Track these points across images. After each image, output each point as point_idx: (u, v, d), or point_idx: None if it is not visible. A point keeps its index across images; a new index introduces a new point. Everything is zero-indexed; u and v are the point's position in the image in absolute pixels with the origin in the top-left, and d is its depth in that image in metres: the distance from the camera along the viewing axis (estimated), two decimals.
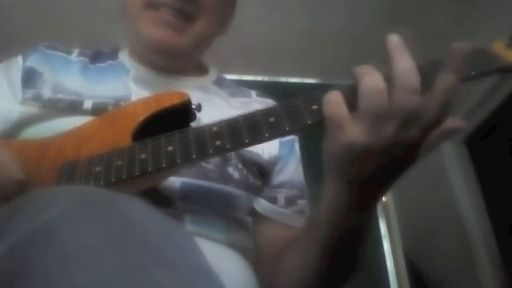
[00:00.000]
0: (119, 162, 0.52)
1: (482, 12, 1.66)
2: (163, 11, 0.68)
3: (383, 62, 0.47)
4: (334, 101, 0.45)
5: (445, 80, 0.43)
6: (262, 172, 0.72)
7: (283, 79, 2.02)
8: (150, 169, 0.50)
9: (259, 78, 1.98)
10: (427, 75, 0.44)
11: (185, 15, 0.69)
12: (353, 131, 0.43)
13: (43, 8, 1.74)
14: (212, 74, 0.83)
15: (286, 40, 1.90)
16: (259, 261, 0.70)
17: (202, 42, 0.75)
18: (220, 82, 0.83)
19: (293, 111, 0.49)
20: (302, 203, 0.76)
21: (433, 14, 1.73)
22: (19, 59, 0.75)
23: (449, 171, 1.83)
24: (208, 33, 0.75)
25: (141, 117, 0.58)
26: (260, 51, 1.90)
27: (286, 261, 0.62)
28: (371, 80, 0.43)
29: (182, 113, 0.60)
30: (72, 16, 1.77)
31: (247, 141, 0.49)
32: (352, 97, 0.46)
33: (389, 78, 0.44)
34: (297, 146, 0.81)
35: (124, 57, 0.79)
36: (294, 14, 1.82)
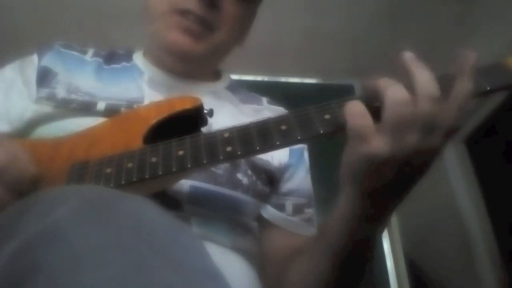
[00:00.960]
0: (130, 165, 0.52)
1: (483, 13, 1.66)
2: (187, 18, 0.68)
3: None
4: (359, 113, 0.45)
5: (462, 87, 0.45)
6: (271, 179, 0.72)
7: (283, 79, 2.02)
8: (160, 173, 0.50)
9: (259, 78, 1.98)
10: (445, 84, 0.45)
11: (206, 24, 0.69)
12: (377, 143, 0.44)
13: (49, 9, 1.74)
14: (225, 80, 0.83)
15: (286, 40, 1.90)
16: (264, 267, 0.70)
17: (218, 52, 0.75)
18: (232, 88, 0.83)
19: (305, 119, 0.49)
20: (309, 211, 0.76)
21: (433, 15, 1.74)
22: (34, 57, 0.74)
23: (449, 171, 1.83)
24: (226, 44, 0.75)
25: (153, 120, 0.58)
26: (260, 51, 1.90)
27: (294, 270, 0.62)
28: (396, 91, 0.44)
29: (194, 117, 0.60)
30: (70, 18, 1.77)
31: (258, 148, 0.49)
32: (370, 107, 0.46)
33: (409, 89, 0.45)
34: (306, 154, 0.81)
35: (138, 59, 0.79)
36: (294, 14, 1.82)
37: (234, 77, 1.78)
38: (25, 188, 0.51)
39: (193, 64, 0.74)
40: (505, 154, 1.65)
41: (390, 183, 0.46)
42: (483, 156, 1.79)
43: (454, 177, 1.82)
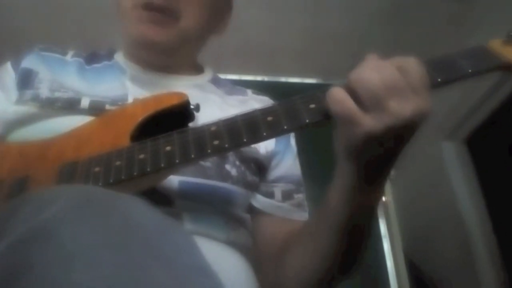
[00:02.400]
0: (118, 163, 0.52)
1: (481, 12, 1.66)
2: (149, 10, 0.70)
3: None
4: (341, 98, 0.46)
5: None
6: (259, 167, 0.73)
7: (283, 79, 2.02)
8: (148, 169, 0.50)
9: (259, 78, 1.98)
10: None
11: (169, 12, 0.70)
12: (368, 121, 0.45)
13: (49, 9, 1.75)
14: (208, 73, 0.84)
15: (286, 40, 1.91)
16: (261, 259, 0.70)
17: (190, 40, 0.76)
18: (216, 81, 0.83)
19: (291, 110, 0.49)
20: (299, 196, 0.76)
21: (432, 14, 1.74)
22: (8, 65, 0.75)
23: (449, 171, 1.83)
24: (196, 31, 0.75)
25: (140, 117, 0.58)
26: (260, 51, 1.90)
27: (296, 253, 0.63)
28: (356, 71, 0.47)
29: (181, 113, 0.60)
30: (69, 17, 1.77)
31: (245, 140, 0.50)
32: (351, 90, 0.47)
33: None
34: (293, 141, 0.81)
35: (119, 58, 0.79)
36: (294, 14, 1.82)
37: (234, 77, 1.78)
38: None
39: (167, 54, 0.75)
40: (506, 153, 1.65)
41: (387, 152, 0.48)
42: (484, 156, 1.79)
43: (455, 177, 1.82)
